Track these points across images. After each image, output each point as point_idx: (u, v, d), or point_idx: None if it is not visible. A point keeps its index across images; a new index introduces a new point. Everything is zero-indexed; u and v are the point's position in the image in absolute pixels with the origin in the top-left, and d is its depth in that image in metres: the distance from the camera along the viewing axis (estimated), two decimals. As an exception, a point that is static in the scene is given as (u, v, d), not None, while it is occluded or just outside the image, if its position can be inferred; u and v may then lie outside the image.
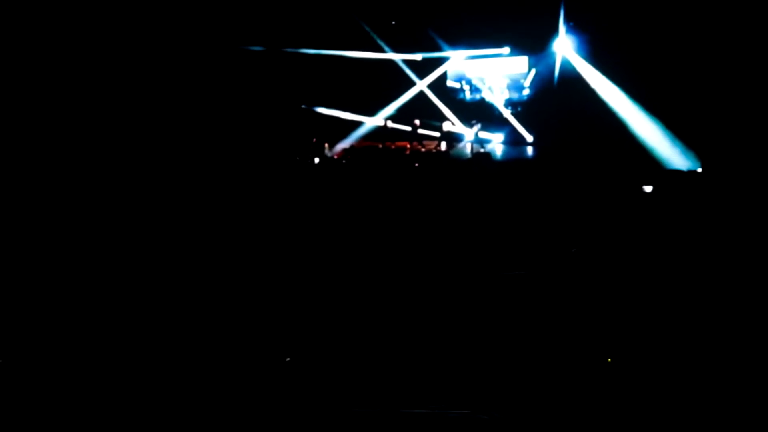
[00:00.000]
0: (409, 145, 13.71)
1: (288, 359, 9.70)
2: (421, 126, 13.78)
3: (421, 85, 14.22)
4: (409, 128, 13.82)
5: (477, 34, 14.00)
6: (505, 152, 13.87)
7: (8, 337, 7.61)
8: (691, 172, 12.10)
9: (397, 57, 14.17)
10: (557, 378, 5.45)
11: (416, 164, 13.26)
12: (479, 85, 14.38)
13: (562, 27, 13.48)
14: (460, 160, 13.46)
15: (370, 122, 14.17)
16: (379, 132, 14.03)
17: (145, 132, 12.23)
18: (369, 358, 9.95)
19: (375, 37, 13.84)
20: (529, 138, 13.95)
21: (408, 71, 14.16)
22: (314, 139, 13.51)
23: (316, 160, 13.30)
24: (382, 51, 14.04)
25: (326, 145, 13.66)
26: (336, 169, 13.28)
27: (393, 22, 13.90)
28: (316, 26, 13.43)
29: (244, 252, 11.01)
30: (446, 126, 13.99)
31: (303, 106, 13.73)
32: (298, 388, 9.03)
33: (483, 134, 13.97)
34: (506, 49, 14.03)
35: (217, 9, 12.87)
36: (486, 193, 12.13)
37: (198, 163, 12.16)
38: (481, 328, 6.25)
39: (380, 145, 13.82)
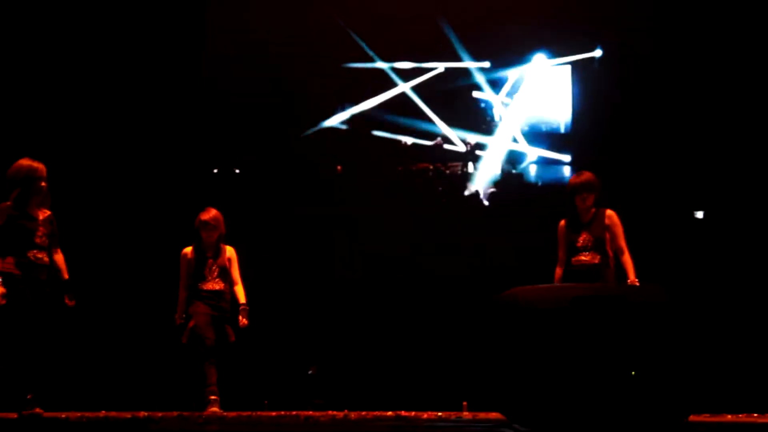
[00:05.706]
0: (431, 167, 13.17)
1: (310, 372, 10.49)
2: (445, 141, 13.21)
3: (445, 100, 13.46)
4: (431, 143, 13.24)
5: (509, 47, 13.33)
6: (538, 172, 13.18)
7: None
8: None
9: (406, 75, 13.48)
10: (578, 395, 5.36)
11: (440, 188, 13.08)
12: (509, 100, 13.56)
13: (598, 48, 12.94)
14: (489, 182, 13.04)
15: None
16: (400, 153, 13.41)
17: (150, 164, 12.43)
18: (388, 378, 10.83)
19: (386, 65, 13.36)
20: (566, 158, 13.15)
21: (412, 97, 13.43)
22: (337, 167, 13.29)
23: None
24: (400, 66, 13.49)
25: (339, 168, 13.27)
26: (353, 190, 13.05)
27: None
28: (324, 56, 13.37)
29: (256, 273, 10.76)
30: (472, 143, 13.34)
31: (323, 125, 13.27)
32: (322, 399, 9.91)
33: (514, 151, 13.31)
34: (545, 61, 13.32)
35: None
36: (518, 216, 12.37)
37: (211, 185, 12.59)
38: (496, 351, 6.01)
39: (400, 168, 13.30)
